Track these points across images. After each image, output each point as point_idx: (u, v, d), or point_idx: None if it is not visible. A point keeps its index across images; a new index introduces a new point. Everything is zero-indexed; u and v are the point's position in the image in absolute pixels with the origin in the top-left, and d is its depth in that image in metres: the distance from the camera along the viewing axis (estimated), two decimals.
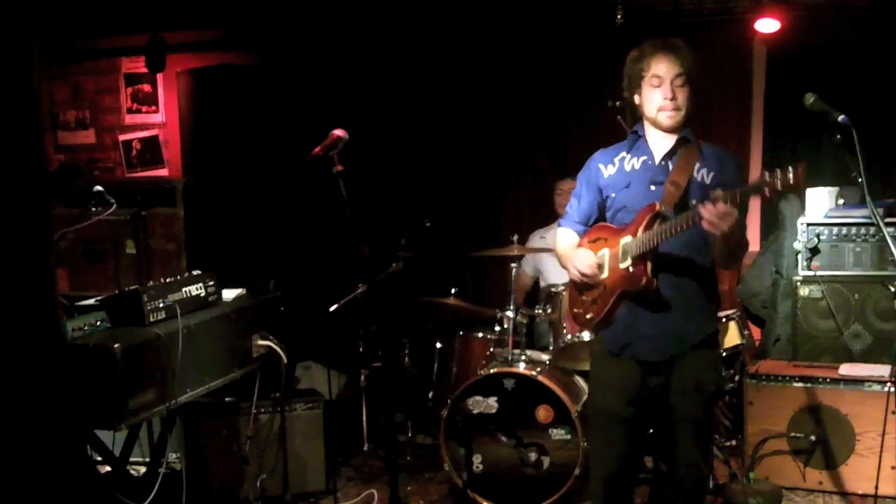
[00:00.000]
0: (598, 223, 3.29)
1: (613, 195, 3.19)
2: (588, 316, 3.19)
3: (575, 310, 3.28)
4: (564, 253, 3.34)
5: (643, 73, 3.10)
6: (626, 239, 3.05)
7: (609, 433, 3.19)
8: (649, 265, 2.99)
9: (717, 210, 2.72)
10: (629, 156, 3.21)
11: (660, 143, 3.16)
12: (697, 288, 3.11)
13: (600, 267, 3.14)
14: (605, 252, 3.14)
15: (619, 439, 3.18)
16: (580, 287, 3.24)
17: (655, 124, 3.14)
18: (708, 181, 3.06)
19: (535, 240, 5.61)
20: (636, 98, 3.17)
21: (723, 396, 4.86)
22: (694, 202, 2.95)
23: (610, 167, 3.23)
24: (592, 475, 3.33)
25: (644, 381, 3.13)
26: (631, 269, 3.02)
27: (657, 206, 3.01)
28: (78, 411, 3.11)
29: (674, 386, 3.10)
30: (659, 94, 3.07)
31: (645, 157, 3.17)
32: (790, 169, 2.58)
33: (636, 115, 3.26)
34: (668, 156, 3.14)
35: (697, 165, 3.06)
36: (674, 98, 3.06)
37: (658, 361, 3.10)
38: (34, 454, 2.91)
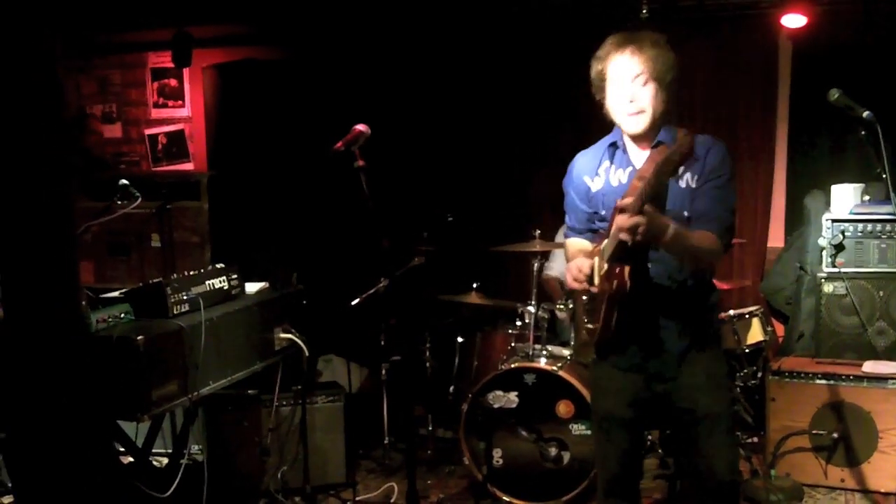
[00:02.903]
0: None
1: (604, 213, 2.96)
2: (590, 326, 2.98)
3: (585, 324, 3.05)
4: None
5: (604, 73, 2.85)
6: (604, 243, 2.82)
7: (611, 435, 3.10)
8: (626, 268, 2.71)
9: (619, 221, 2.47)
10: (613, 167, 2.95)
11: (638, 151, 2.91)
12: (683, 293, 2.91)
13: (591, 277, 2.89)
14: (595, 261, 2.91)
15: (620, 441, 3.10)
16: (585, 302, 3.05)
17: (623, 129, 2.89)
18: (694, 184, 2.82)
19: (561, 237, 5.58)
20: (605, 102, 2.90)
21: (733, 391, 4.76)
22: (668, 208, 2.77)
23: (597, 180, 2.99)
24: (598, 476, 3.25)
25: (645, 384, 3.00)
26: (607, 271, 2.78)
27: (618, 203, 2.59)
28: (102, 402, 3.16)
29: (686, 383, 2.94)
30: (619, 97, 2.81)
31: (631, 168, 2.90)
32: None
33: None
34: None
35: (682, 169, 2.70)
36: (633, 100, 2.78)
37: (658, 371, 2.97)
38: (59, 444, 2.95)
